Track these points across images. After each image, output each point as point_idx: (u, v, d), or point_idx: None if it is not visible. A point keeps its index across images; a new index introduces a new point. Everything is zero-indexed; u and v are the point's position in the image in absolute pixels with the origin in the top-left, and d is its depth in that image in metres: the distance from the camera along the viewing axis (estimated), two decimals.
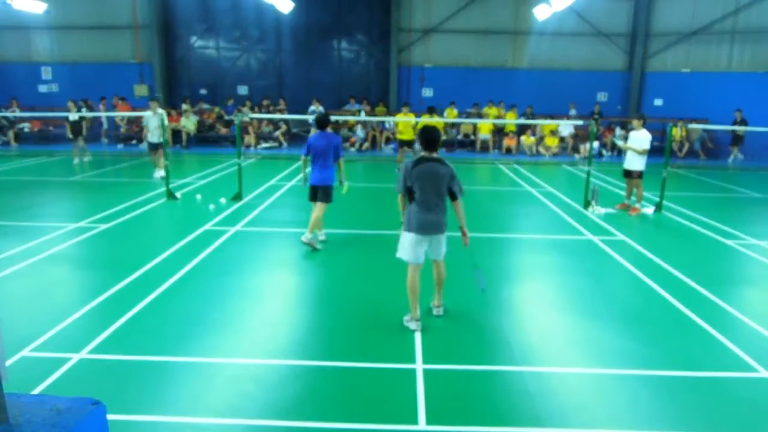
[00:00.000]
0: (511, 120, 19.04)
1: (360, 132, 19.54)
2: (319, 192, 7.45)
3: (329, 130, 7.51)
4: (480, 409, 3.89)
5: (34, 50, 21.51)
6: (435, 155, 4.99)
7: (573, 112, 20.19)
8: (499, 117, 19.70)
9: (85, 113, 16.07)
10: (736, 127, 17.10)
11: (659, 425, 3.74)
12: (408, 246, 5.03)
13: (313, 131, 18.77)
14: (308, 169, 7.74)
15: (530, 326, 5.41)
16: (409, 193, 5.00)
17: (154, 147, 13.01)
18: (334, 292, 6.13)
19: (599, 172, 14.81)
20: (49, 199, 10.84)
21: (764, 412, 3.94)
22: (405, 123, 13.95)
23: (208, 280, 6.29)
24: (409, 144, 14.19)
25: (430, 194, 4.90)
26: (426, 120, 13.50)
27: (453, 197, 5.04)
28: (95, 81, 20.64)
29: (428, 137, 4.98)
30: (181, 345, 4.72)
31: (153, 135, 12.91)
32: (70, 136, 15.35)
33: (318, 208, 7.45)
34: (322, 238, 7.92)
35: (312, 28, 21.61)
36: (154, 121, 12.63)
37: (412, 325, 5.12)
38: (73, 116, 15.10)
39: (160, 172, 12.54)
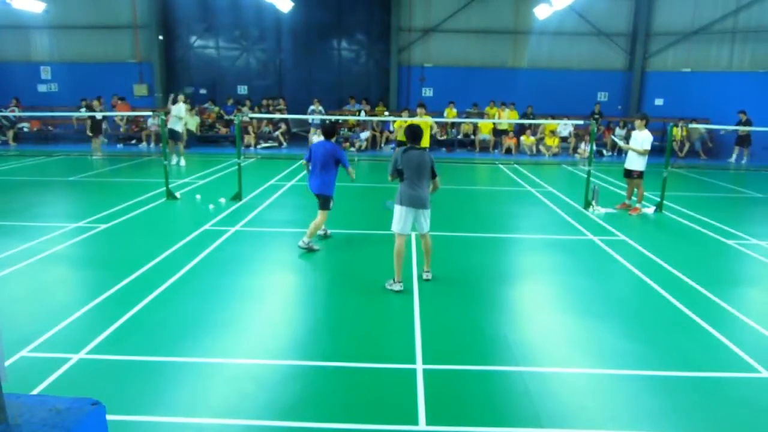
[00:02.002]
0: (511, 120, 19.01)
1: (362, 135, 19.43)
2: (318, 200, 7.51)
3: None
4: (480, 409, 3.88)
5: (33, 50, 21.51)
6: (418, 146, 6.06)
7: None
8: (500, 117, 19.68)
9: (105, 111, 16.78)
10: (738, 127, 17.07)
11: (659, 425, 3.74)
12: (399, 218, 6.01)
13: (314, 131, 18.93)
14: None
15: (530, 326, 5.40)
16: (399, 175, 6.00)
17: (172, 135, 14.68)
18: (334, 292, 6.13)
19: (599, 172, 14.81)
20: (48, 199, 10.83)
21: (764, 412, 3.93)
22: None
23: (208, 280, 6.28)
24: None
25: (416, 175, 5.95)
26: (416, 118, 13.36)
27: (434, 176, 6.10)
28: (95, 81, 20.63)
29: (413, 132, 6.08)
30: (181, 345, 4.71)
31: (173, 123, 14.70)
32: (90, 134, 16.64)
33: (319, 216, 7.49)
34: (327, 234, 8.04)
35: (312, 27, 21.61)
36: (174, 112, 14.99)
37: (396, 287, 5.96)
38: (99, 115, 16.28)
39: (181, 160, 15.12)
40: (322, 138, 7.63)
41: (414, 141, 6.05)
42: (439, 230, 7.74)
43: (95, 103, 17.32)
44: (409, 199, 5.93)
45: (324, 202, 7.48)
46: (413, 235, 6.92)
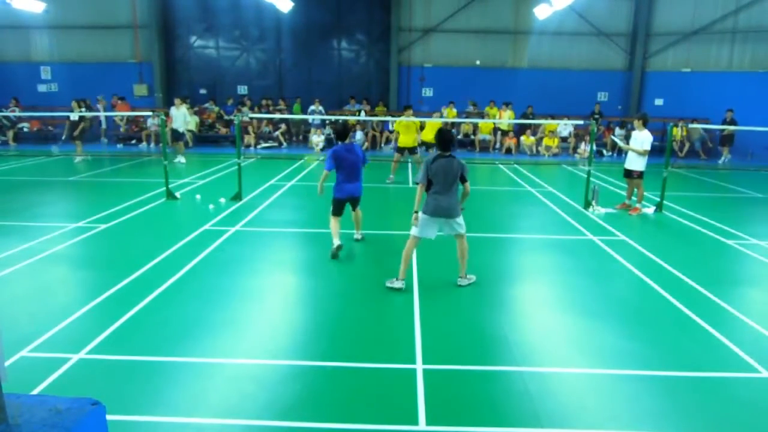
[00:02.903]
0: (511, 120, 19.02)
1: (357, 135, 19.36)
2: (356, 201, 7.71)
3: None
4: (480, 410, 3.88)
5: (33, 50, 21.52)
6: (447, 153, 5.86)
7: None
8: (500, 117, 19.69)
9: (84, 113, 16.26)
10: (739, 127, 17.06)
11: (660, 425, 3.74)
12: (420, 224, 5.95)
13: (314, 131, 18.90)
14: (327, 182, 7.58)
15: (530, 326, 5.40)
16: (428, 183, 5.88)
17: (174, 134, 15.61)
18: (334, 292, 6.13)
19: (599, 172, 14.81)
20: (48, 199, 10.83)
21: (764, 412, 3.93)
22: (406, 127, 12.82)
23: (208, 280, 6.28)
24: (410, 150, 12.97)
25: (444, 184, 5.83)
26: (404, 118, 12.89)
27: (463, 180, 5.97)
28: (95, 81, 20.63)
29: (444, 138, 5.87)
30: (181, 345, 4.71)
31: (176, 124, 15.75)
32: (64, 136, 16.27)
33: (358, 212, 7.90)
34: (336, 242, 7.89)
35: (312, 27, 21.61)
36: (179, 115, 15.78)
37: (397, 284, 5.96)
38: (74, 116, 15.65)
39: (181, 159, 15.51)
40: (321, 139, 7.67)
41: (444, 148, 5.83)
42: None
43: (73, 104, 15.85)
44: (433, 209, 5.89)
45: (359, 200, 7.81)
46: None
